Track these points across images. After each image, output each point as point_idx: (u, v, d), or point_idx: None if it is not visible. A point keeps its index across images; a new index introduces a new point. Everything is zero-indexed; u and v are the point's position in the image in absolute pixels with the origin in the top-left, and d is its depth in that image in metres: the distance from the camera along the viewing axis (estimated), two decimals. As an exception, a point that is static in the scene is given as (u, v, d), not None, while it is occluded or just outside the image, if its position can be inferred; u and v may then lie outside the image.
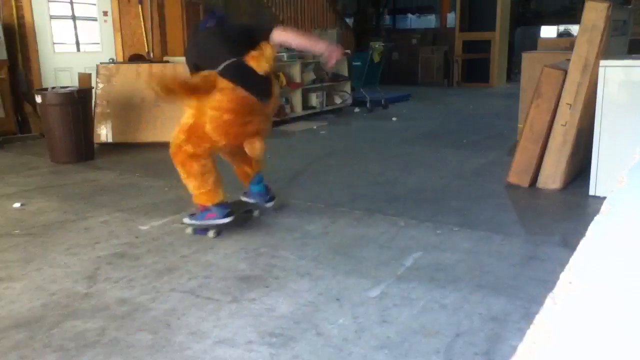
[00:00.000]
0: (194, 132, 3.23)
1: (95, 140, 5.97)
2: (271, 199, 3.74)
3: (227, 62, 3.18)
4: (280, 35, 3.30)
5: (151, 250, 3.16)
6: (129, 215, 3.81)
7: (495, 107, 9.04)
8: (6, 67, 6.43)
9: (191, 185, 3.32)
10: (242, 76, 3.21)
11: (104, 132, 6.21)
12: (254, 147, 3.38)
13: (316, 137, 6.77)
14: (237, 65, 3.21)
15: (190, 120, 3.26)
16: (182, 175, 3.33)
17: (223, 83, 3.16)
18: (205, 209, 3.35)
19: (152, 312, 2.44)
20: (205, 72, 3.21)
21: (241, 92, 3.18)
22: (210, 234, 3.37)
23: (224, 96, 3.17)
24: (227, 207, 3.37)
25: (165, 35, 7.80)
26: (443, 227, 3.45)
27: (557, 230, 3.41)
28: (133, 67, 6.48)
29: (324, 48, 3.31)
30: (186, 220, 3.43)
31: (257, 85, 3.26)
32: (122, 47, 7.51)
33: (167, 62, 6.99)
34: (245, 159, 3.63)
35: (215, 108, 3.18)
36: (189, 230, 3.43)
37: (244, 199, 3.76)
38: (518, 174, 4.30)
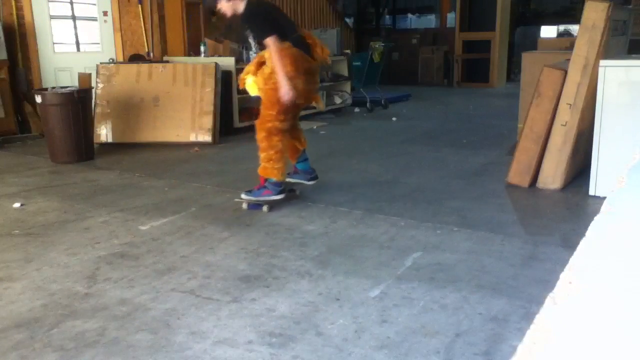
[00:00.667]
0: (280, 104, 3.63)
1: (95, 140, 5.97)
2: (314, 177, 4.12)
3: (294, 35, 3.73)
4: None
5: (151, 250, 3.16)
6: (129, 215, 3.81)
7: (495, 107, 9.04)
8: (6, 67, 6.43)
9: (267, 157, 3.72)
10: (306, 45, 3.74)
11: (104, 132, 6.21)
12: (320, 102, 4.05)
13: (316, 137, 6.76)
14: (299, 37, 3.76)
15: (274, 94, 3.62)
16: (263, 144, 3.71)
17: (295, 50, 3.63)
18: (262, 187, 3.83)
19: (152, 312, 2.44)
20: (285, 44, 3.60)
21: (307, 57, 3.70)
22: (265, 208, 3.80)
23: (299, 63, 3.62)
24: (281, 185, 3.82)
25: (165, 35, 7.80)
26: (443, 227, 3.45)
27: (557, 230, 3.41)
28: (133, 67, 6.48)
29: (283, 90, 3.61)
30: (243, 195, 3.89)
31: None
32: (122, 47, 7.51)
33: (167, 62, 6.99)
34: (295, 135, 3.97)
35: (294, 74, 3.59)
36: (245, 205, 3.85)
37: (288, 179, 4.02)
38: (518, 174, 4.31)
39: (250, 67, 3.82)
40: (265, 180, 3.82)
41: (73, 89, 5.60)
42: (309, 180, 4.09)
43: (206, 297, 2.57)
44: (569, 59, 4.18)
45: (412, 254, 3.03)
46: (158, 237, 3.37)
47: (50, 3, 6.99)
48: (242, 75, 3.87)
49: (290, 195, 4.01)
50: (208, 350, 2.14)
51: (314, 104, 4.07)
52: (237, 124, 6.92)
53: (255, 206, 3.81)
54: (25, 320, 2.39)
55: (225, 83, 6.59)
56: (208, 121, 6.25)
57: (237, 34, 7.34)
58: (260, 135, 3.71)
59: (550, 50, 5.95)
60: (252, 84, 3.75)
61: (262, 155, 3.74)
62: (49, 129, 5.47)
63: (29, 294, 2.63)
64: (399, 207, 3.89)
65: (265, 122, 3.68)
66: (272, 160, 3.70)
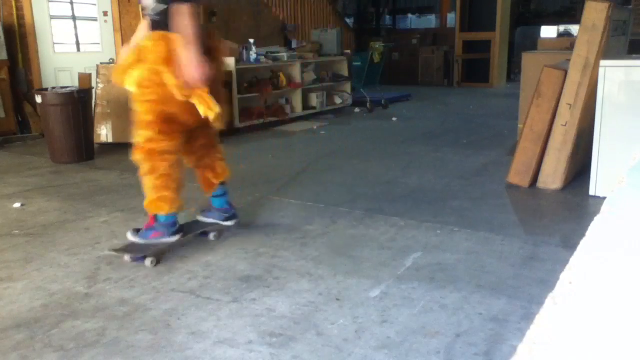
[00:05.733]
0: (160, 117, 2.85)
1: (95, 140, 5.97)
2: (232, 216, 3.34)
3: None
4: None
5: (151, 250, 3.16)
6: (129, 215, 3.81)
7: (495, 107, 9.03)
8: (6, 67, 6.43)
9: (149, 184, 2.93)
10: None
11: (104, 132, 6.21)
12: (217, 120, 2.94)
13: (316, 137, 6.77)
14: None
15: (152, 106, 2.85)
16: (143, 171, 2.93)
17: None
18: (150, 227, 3.04)
19: (152, 312, 2.44)
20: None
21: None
22: (148, 262, 2.90)
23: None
24: (175, 224, 3.05)
25: (165, 35, 7.79)
26: (443, 227, 3.45)
27: (557, 230, 3.41)
28: (133, 67, 6.47)
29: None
30: (130, 235, 3.05)
31: None
32: (122, 47, 7.50)
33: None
34: (208, 164, 3.23)
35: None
36: (126, 257, 2.98)
37: (201, 218, 3.36)
38: (518, 174, 4.30)
39: (130, 58, 2.93)
40: (154, 217, 3.00)
41: (73, 89, 5.60)
42: (224, 220, 3.30)
43: (206, 297, 2.57)
44: (569, 59, 4.17)
45: (412, 254, 3.03)
46: (158, 237, 3.36)
47: (50, 3, 6.99)
48: (118, 70, 2.99)
49: (198, 238, 3.23)
50: (208, 350, 2.14)
51: (215, 122, 2.91)
52: (237, 124, 6.91)
53: (139, 259, 2.93)
54: (25, 320, 2.39)
55: (225, 83, 6.58)
56: (208, 121, 6.24)
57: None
58: (136, 157, 2.91)
59: (550, 50, 5.96)
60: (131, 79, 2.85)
61: (144, 183, 2.93)
62: (49, 129, 5.47)
63: (29, 294, 2.63)
64: (399, 207, 3.88)
65: (141, 142, 2.88)
66: (156, 188, 2.89)
